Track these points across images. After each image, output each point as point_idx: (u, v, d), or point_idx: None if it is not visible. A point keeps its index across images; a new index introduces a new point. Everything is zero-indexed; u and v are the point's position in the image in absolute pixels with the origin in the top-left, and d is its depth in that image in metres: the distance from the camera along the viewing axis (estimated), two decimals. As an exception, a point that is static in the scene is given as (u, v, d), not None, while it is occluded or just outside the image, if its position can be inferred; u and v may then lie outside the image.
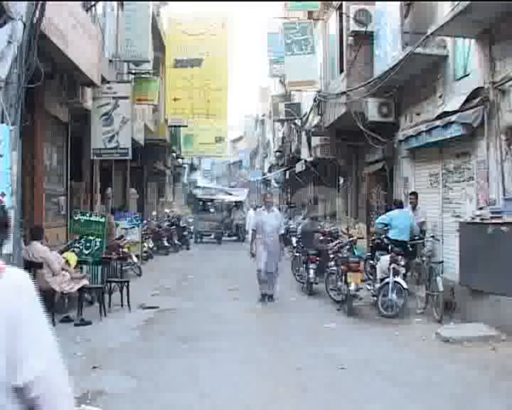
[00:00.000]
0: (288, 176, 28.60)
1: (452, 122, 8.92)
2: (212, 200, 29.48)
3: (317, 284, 11.05)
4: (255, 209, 17.82)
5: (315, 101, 17.17)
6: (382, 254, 9.57)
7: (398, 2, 10.85)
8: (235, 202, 29.01)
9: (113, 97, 12.35)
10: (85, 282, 8.53)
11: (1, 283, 1.74)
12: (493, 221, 7.61)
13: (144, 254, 16.01)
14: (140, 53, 14.28)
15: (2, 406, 1.67)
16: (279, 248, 10.61)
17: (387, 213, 10.43)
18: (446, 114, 9.21)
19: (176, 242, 20.25)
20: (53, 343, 1.85)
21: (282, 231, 11.05)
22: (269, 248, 10.22)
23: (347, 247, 10.94)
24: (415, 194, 10.80)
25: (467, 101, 8.74)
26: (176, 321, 8.63)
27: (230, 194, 32.30)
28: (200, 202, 28.85)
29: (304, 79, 16.20)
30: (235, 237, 26.41)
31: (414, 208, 10.52)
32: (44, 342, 1.82)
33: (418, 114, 11.17)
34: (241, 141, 58.51)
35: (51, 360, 1.80)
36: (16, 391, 1.68)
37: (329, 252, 10.98)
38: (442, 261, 9.42)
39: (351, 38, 13.24)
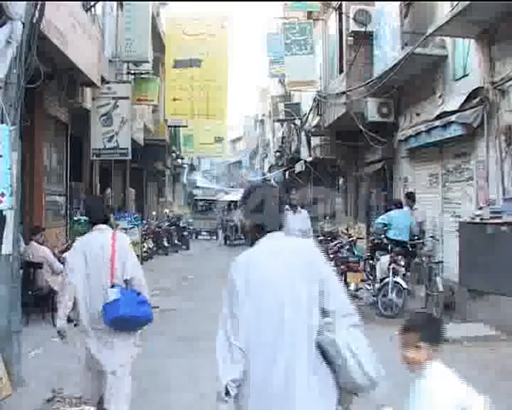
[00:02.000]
0: (287, 176, 28.60)
1: (452, 122, 8.92)
2: (211, 200, 29.53)
3: (316, 284, 11.03)
4: None
5: (314, 101, 17.17)
6: (382, 255, 9.57)
7: (398, 3, 10.85)
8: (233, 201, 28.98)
9: (113, 97, 12.37)
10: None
11: (120, 236, 4.27)
12: (493, 221, 7.61)
13: (144, 255, 16.00)
14: (140, 53, 14.29)
15: (109, 289, 4.04)
16: None
17: (387, 214, 10.42)
18: (446, 114, 9.21)
19: (176, 242, 20.26)
20: (138, 264, 4.29)
21: (312, 237, 9.05)
22: None
23: (347, 247, 10.92)
24: (408, 195, 10.81)
25: (466, 101, 8.74)
26: (176, 321, 8.63)
27: (230, 194, 32.30)
28: (200, 203, 28.92)
29: (303, 79, 16.22)
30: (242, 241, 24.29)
31: (411, 209, 10.51)
32: (133, 262, 4.18)
33: (418, 114, 11.17)
34: (240, 141, 58.52)
35: (138, 270, 4.20)
36: (126, 281, 4.07)
37: (329, 252, 10.97)
38: (442, 261, 9.42)
39: (350, 38, 13.24)
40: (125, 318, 4.00)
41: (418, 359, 2.40)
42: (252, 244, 2.54)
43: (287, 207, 8.72)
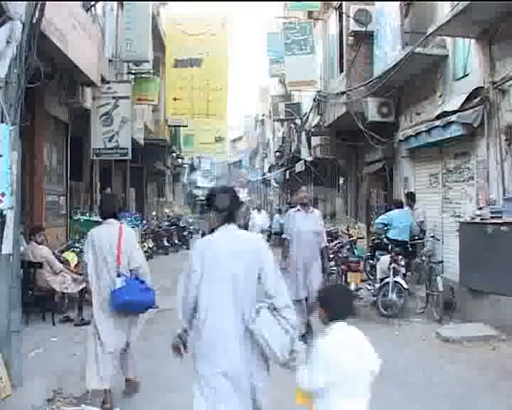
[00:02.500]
0: (287, 176, 28.60)
1: (452, 122, 8.92)
2: None
3: (316, 283, 11.01)
4: (259, 210, 17.50)
5: (315, 101, 17.16)
6: (382, 254, 9.57)
7: (398, 2, 10.84)
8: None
9: (113, 97, 12.36)
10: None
11: (126, 229, 4.90)
12: (493, 221, 7.61)
13: (144, 254, 15.99)
14: (140, 53, 14.28)
15: (113, 276, 4.69)
16: (320, 265, 7.53)
17: (387, 213, 10.42)
18: (446, 113, 9.20)
19: (176, 242, 20.23)
20: (143, 255, 5.00)
21: (325, 243, 7.84)
22: (308, 267, 7.35)
23: (347, 247, 10.93)
24: (408, 195, 10.82)
25: (466, 101, 8.74)
26: (176, 321, 8.60)
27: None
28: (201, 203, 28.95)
29: (304, 78, 16.18)
30: None
31: (411, 209, 10.51)
32: (138, 253, 4.90)
33: (418, 114, 11.17)
34: (241, 141, 58.52)
35: (143, 261, 4.92)
36: (131, 271, 4.74)
37: (329, 252, 10.96)
38: (442, 261, 9.42)
39: (351, 37, 13.23)
40: (130, 302, 4.62)
41: (322, 319, 2.99)
42: (212, 232, 3.26)
43: (298, 207, 7.67)
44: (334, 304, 2.96)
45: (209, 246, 3.20)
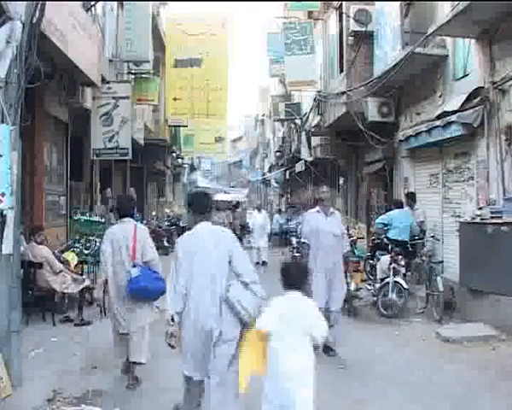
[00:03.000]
0: (287, 176, 28.60)
1: (452, 122, 8.91)
2: (221, 201, 29.44)
3: (317, 283, 10.98)
4: (259, 210, 17.43)
5: (315, 101, 17.16)
6: (382, 254, 9.57)
7: (398, 2, 10.84)
8: (233, 203, 28.95)
9: (113, 97, 12.36)
10: (87, 283, 8.52)
11: (139, 227, 5.59)
12: (493, 221, 7.61)
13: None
14: (140, 53, 14.28)
15: (128, 268, 5.33)
16: (342, 271, 7.05)
17: (387, 213, 10.42)
18: (446, 113, 9.20)
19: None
20: (155, 249, 5.57)
21: (348, 248, 7.30)
22: (330, 273, 6.78)
23: (347, 247, 10.89)
24: (408, 195, 10.82)
25: (467, 101, 8.74)
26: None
27: (229, 194, 32.23)
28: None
29: (304, 78, 16.18)
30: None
31: (411, 209, 10.51)
32: (151, 247, 5.48)
33: (418, 114, 11.17)
34: (241, 141, 58.52)
35: (155, 254, 5.49)
36: (144, 263, 5.37)
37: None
38: (442, 261, 9.42)
39: (351, 37, 13.23)
40: (145, 289, 5.25)
41: (283, 286, 3.78)
42: (190, 229, 4.16)
43: (317, 209, 6.98)
44: (289, 277, 3.71)
45: (190, 239, 4.09)
